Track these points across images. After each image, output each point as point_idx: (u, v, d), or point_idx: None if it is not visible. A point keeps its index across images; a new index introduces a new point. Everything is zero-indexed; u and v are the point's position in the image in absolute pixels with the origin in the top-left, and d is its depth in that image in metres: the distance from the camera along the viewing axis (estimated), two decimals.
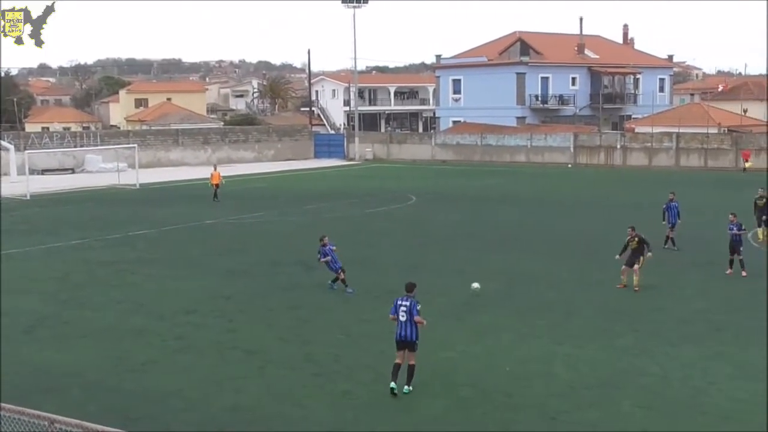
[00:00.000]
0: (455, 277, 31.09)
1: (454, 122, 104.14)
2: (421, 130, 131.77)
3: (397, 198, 56.81)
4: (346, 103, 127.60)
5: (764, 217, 36.97)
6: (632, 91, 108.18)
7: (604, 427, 17.10)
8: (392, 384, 18.86)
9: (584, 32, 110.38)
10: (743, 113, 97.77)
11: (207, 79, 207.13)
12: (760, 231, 37.37)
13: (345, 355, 22.01)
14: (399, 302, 19.07)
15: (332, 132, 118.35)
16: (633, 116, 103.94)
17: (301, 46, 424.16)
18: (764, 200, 37.00)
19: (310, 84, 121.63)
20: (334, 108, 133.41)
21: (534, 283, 30.46)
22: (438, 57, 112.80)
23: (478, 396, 18.90)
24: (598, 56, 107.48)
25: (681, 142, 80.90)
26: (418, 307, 18.90)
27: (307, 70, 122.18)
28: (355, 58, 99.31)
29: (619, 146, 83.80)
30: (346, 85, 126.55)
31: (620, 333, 23.71)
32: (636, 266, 28.71)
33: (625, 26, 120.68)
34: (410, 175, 76.01)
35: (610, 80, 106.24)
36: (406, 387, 18.80)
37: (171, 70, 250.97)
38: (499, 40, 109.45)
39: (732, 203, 42.07)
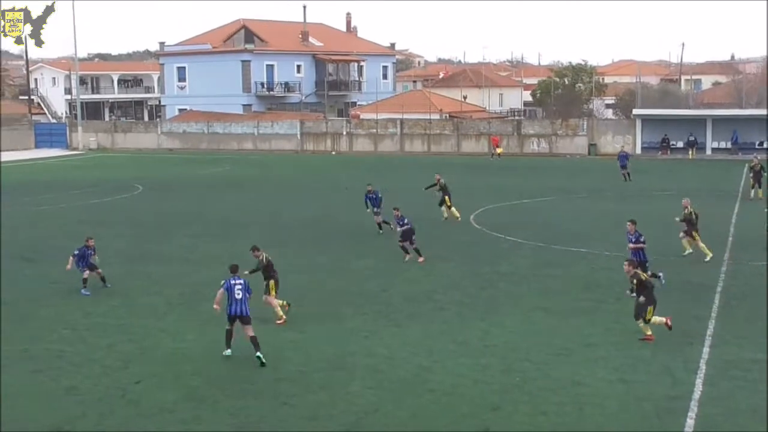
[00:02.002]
0: (182, 266, 30.74)
1: (180, 110, 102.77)
2: (146, 118, 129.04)
3: (122, 188, 55.38)
4: (68, 91, 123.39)
5: (447, 197, 39.77)
6: (357, 79, 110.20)
7: (335, 409, 17.28)
8: (227, 351, 20.49)
9: (308, 20, 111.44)
10: (463, 100, 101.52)
11: None
12: (444, 210, 39.99)
13: (69, 350, 21.19)
14: (232, 282, 20.41)
15: (54, 121, 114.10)
16: (358, 103, 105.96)
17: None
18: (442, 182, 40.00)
19: (28, 72, 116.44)
20: (55, 96, 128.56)
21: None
22: (161, 44, 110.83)
23: (208, 385, 18.67)
24: (322, 44, 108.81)
25: (405, 128, 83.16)
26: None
27: (24, 57, 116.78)
28: (75, 45, 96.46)
29: (345, 133, 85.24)
30: (67, 72, 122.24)
31: (348, 316, 24.04)
32: (267, 296, 23.75)
33: (348, 14, 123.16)
34: (136, 165, 74.36)
35: (335, 68, 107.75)
36: (258, 353, 19.80)
37: None
38: (224, 28, 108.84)
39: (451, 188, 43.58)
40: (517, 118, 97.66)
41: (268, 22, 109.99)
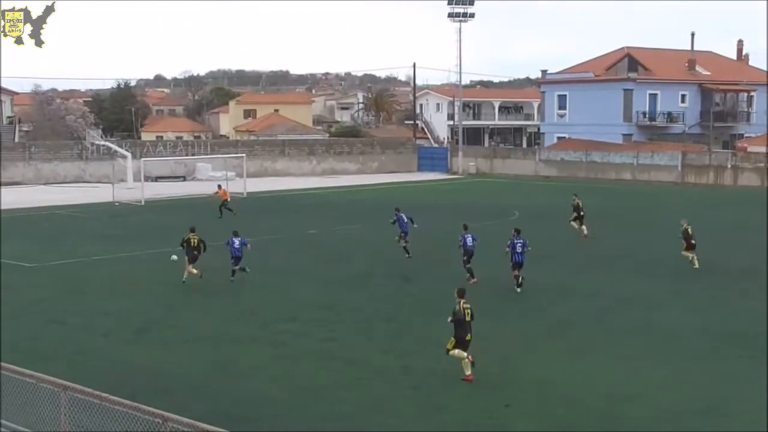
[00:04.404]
0: (547, 296, 30.74)
1: (559, 138, 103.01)
2: (524, 145, 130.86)
3: (500, 213, 56.36)
4: (450, 117, 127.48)
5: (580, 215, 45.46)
6: (745, 110, 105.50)
7: None
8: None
9: (696, 48, 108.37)
10: None
11: (313, 91, 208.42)
12: (574, 224, 45.74)
13: (441, 369, 21.83)
14: (515, 241, 30.96)
15: (436, 145, 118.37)
16: (746, 135, 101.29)
17: (406, 60, 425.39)
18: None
19: (414, 97, 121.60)
20: (438, 122, 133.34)
21: (631, 303, 29.80)
22: (543, 72, 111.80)
23: (575, 416, 18.57)
24: (709, 73, 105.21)
25: None
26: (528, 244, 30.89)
27: (411, 84, 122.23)
28: (460, 72, 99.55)
29: (729, 166, 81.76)
30: (450, 99, 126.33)
31: (725, 357, 23.06)
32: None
33: (740, 42, 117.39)
34: (513, 191, 75.46)
35: (722, 98, 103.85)
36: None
37: (278, 81, 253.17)
38: (607, 56, 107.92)
39: None
40: None
41: (654, 51, 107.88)
